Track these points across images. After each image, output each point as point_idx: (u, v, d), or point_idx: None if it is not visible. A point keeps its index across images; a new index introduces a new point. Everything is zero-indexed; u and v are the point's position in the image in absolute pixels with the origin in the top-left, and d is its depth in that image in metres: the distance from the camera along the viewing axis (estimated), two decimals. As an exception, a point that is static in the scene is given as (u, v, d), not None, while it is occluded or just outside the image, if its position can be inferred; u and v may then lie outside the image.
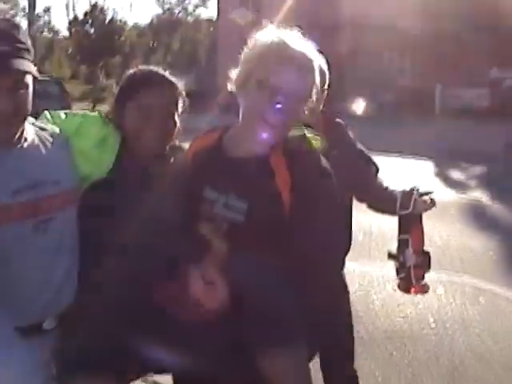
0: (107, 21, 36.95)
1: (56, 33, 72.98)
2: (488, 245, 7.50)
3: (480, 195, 10.88)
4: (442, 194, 10.07)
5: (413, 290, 2.75)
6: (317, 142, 2.28)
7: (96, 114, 2.35)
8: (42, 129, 2.24)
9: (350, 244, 3.18)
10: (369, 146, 3.26)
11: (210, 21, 54.86)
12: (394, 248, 2.82)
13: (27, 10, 22.15)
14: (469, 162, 14.40)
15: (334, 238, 2.19)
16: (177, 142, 2.43)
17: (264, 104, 2.11)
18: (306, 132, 2.29)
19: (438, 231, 7.60)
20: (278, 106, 2.09)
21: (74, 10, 48.23)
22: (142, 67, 2.40)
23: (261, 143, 2.18)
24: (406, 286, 2.76)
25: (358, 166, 3.10)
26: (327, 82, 3.02)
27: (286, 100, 2.09)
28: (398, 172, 10.98)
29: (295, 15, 29.61)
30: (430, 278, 2.78)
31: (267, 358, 1.90)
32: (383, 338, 4.88)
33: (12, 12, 46.78)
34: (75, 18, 37.77)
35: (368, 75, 28.21)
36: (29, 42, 2.08)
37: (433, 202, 2.83)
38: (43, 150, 2.17)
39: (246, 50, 2.24)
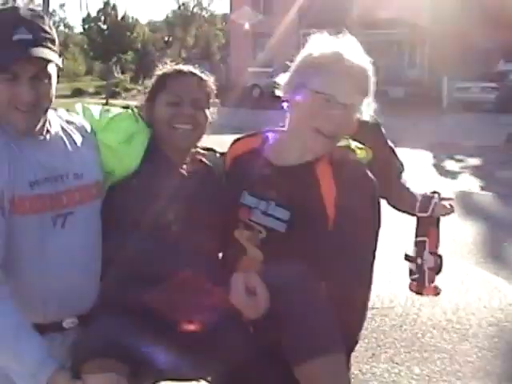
0: (119, 17, 37.38)
1: (71, 28, 73.93)
2: (467, 230, 7.93)
3: (471, 185, 11.23)
4: (435, 183, 10.43)
5: (425, 291, 2.78)
6: (361, 152, 2.24)
7: (129, 110, 2.30)
8: (69, 122, 2.19)
9: None
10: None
11: (224, 15, 55.23)
12: (408, 249, 2.87)
13: (42, 7, 22.59)
14: (467, 154, 14.72)
15: (373, 249, 2.14)
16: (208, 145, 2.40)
17: (319, 114, 2.07)
18: (351, 142, 2.24)
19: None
20: (333, 116, 2.06)
21: (87, 7, 48.92)
22: (172, 64, 2.36)
23: (309, 153, 2.14)
24: (418, 287, 2.78)
25: (387, 163, 3.08)
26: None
27: (341, 111, 2.06)
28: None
29: (306, 12, 30.09)
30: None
31: (305, 368, 1.83)
32: (354, 310, 5.35)
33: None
34: (88, 15, 38.23)
35: (377, 69, 28.42)
36: (54, 33, 2.01)
37: (452, 208, 2.84)
38: (67, 143, 2.10)
39: (299, 57, 2.20)
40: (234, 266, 2.13)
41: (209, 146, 2.46)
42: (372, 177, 2.15)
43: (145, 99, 2.32)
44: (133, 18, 40.61)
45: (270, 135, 2.31)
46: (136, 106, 2.34)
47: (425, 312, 5.34)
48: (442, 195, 2.87)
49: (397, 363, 4.44)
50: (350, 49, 2.12)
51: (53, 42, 1.99)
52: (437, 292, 2.79)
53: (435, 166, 13.55)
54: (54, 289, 1.99)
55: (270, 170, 2.19)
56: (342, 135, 2.15)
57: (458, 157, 14.66)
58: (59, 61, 1.99)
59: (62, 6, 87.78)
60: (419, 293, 2.81)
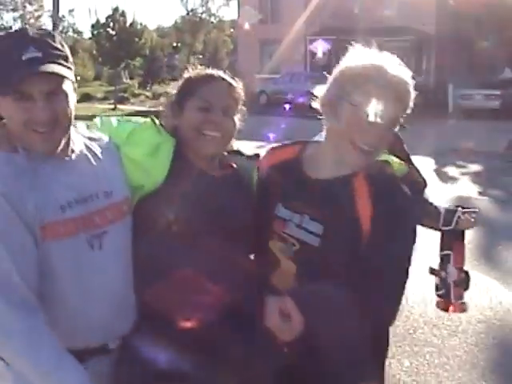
0: (128, 24, 37.69)
1: (80, 34, 74.45)
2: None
3: (471, 191, 11.46)
4: (435, 188, 10.57)
5: (451, 308, 2.72)
6: (399, 166, 2.20)
7: (149, 120, 2.21)
8: (91, 138, 2.13)
9: None
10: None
11: (233, 21, 55.52)
12: (434, 264, 2.85)
13: (51, 12, 22.84)
14: (469, 160, 14.93)
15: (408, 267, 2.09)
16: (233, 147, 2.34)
17: (358, 128, 2.01)
18: (388, 157, 2.19)
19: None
20: (372, 130, 2.00)
21: (96, 13, 49.27)
22: (199, 68, 2.29)
23: (346, 166, 2.08)
24: (445, 304, 2.72)
25: (410, 178, 2.95)
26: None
27: (381, 126, 2.00)
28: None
29: (313, 20, 30.33)
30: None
31: None
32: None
33: (38, 13, 47.83)
34: (97, 21, 38.54)
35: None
36: (66, 49, 1.94)
37: (476, 221, 2.85)
38: (93, 161, 2.05)
39: (337, 70, 2.12)
40: (267, 276, 2.13)
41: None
42: (408, 191, 2.10)
43: (169, 103, 2.26)
44: (141, 24, 41.00)
45: (307, 145, 2.27)
46: (156, 116, 2.27)
47: (417, 309, 5.60)
48: (466, 209, 2.85)
49: (388, 357, 4.67)
50: (391, 61, 2.06)
51: (65, 58, 1.93)
52: (463, 309, 2.72)
53: (436, 171, 13.73)
54: (96, 312, 1.97)
55: (305, 183, 2.14)
56: (380, 149, 2.09)
57: (460, 163, 14.89)
58: (73, 77, 1.94)
59: (71, 11, 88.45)
60: (445, 310, 2.75)
